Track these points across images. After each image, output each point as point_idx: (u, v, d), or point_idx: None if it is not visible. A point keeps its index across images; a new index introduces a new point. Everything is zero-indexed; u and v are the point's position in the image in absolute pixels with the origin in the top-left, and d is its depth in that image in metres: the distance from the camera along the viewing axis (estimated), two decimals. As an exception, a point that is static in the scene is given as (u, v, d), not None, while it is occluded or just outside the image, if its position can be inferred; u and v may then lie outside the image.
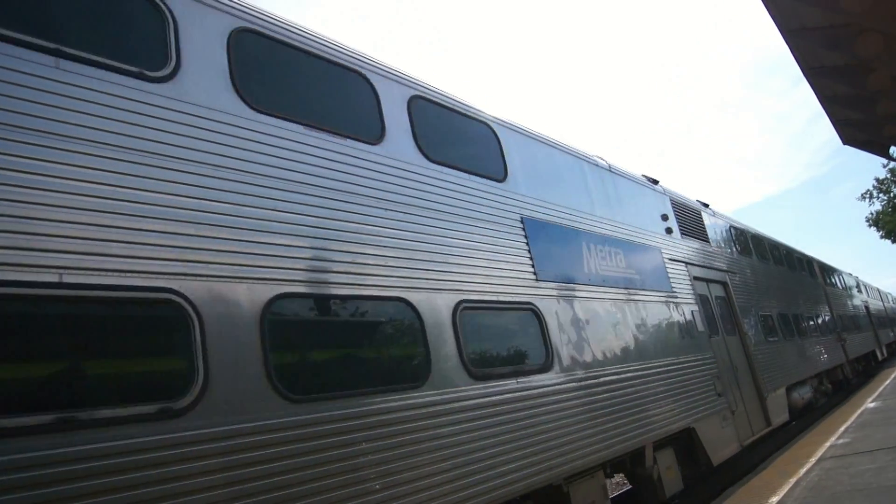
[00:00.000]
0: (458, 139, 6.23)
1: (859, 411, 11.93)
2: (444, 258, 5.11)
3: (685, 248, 9.97)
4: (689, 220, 10.74)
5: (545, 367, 5.69)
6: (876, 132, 11.02)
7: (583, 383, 6.07)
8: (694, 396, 7.97)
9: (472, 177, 5.84)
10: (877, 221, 40.26)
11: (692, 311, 9.00)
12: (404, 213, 4.92)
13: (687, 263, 9.65)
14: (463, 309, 5.00)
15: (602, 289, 7.04)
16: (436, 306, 4.80)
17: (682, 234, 10.10)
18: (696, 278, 9.75)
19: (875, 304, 31.92)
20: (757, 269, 13.74)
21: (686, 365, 8.15)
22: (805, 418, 13.22)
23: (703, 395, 8.24)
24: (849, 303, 24.34)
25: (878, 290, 36.49)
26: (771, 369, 11.40)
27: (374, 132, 5.06)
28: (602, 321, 6.80)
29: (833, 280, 23.15)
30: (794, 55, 8.20)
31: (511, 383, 5.24)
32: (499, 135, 6.54)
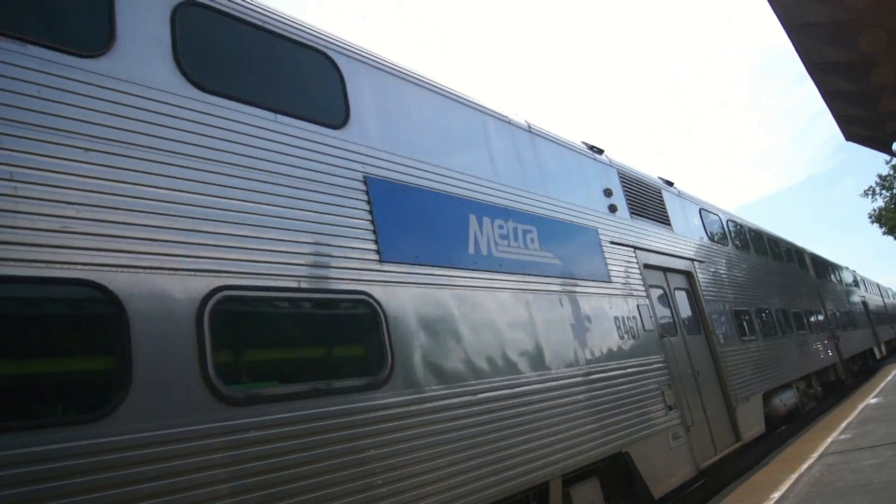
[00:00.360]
0: (268, 68, 4.69)
1: (861, 407, 11.94)
2: (194, 224, 3.60)
3: (635, 230, 8.56)
4: (643, 198, 9.37)
5: (378, 383, 4.21)
6: (879, 128, 10.98)
7: (445, 402, 4.60)
8: (631, 412, 6.62)
9: (282, 117, 4.36)
10: (879, 218, 40.22)
11: (638, 306, 7.64)
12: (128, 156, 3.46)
13: (636, 248, 8.27)
14: (222, 300, 3.59)
15: (497, 276, 5.54)
16: (164, 296, 3.35)
17: (633, 214, 8.75)
18: (648, 266, 8.43)
19: (874, 300, 31.24)
20: (734, 260, 12.42)
21: (622, 373, 6.78)
22: (797, 421, 12.54)
23: (646, 410, 6.90)
24: (844, 298, 23.30)
25: (878, 286, 36.02)
26: (745, 373, 10.17)
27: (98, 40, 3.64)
28: (491, 318, 5.34)
29: (827, 274, 22.01)
30: (797, 51, 8.17)
31: (303, 407, 3.71)
32: (342, 68, 5.02)
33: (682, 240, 10.13)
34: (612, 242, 7.75)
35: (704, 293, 9.89)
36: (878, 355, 26.15)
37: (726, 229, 12.85)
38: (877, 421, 9.80)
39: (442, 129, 5.92)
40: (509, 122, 6.88)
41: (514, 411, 5.18)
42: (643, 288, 8.01)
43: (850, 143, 12.08)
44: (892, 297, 41.08)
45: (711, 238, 11.66)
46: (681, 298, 9.24)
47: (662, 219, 9.75)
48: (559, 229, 6.86)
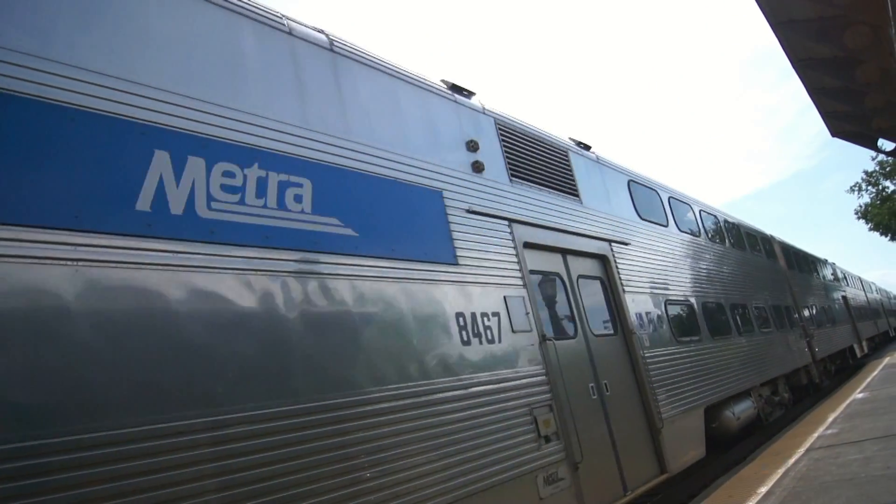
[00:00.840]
0: None
1: (847, 402, 12.03)
2: None
3: (513, 198, 6.51)
4: (535, 160, 7.26)
5: None
6: (865, 125, 11.07)
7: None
8: (466, 453, 4.61)
9: None
10: (865, 214, 40.55)
11: (507, 298, 5.71)
12: None
13: (513, 222, 6.28)
14: None
15: (203, 249, 3.52)
16: None
17: (514, 177, 6.70)
18: (532, 247, 6.47)
19: (855, 295, 29.76)
20: (675, 244, 10.36)
21: (455, 395, 4.74)
22: (759, 434, 11.22)
23: (497, 448, 4.91)
24: (821, 292, 21.68)
25: (860, 279, 35.09)
26: (678, 384, 8.18)
27: None
28: (175, 317, 3.30)
29: (801, 265, 19.98)
30: (783, 47, 8.22)
31: None
32: None
33: (596, 216, 8.02)
34: (470, 212, 5.76)
35: (626, 283, 7.95)
36: (858, 353, 24.37)
37: (667, 209, 10.67)
38: (863, 415, 9.87)
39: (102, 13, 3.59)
40: (289, 32, 4.75)
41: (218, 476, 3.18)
42: (519, 274, 6.03)
43: (836, 139, 12.18)
44: (875, 292, 40.42)
45: (647, 218, 9.55)
46: (589, 290, 7.33)
47: (566, 188, 7.63)
48: (361, 187, 4.76)
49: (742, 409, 10.21)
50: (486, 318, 5.40)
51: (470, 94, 6.74)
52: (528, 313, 5.91)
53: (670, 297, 9.16)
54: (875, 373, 17.50)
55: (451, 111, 6.29)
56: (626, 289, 7.93)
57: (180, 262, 3.41)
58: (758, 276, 14.52)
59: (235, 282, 3.64)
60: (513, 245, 6.18)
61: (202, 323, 3.42)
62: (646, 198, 10.00)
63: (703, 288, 10.63)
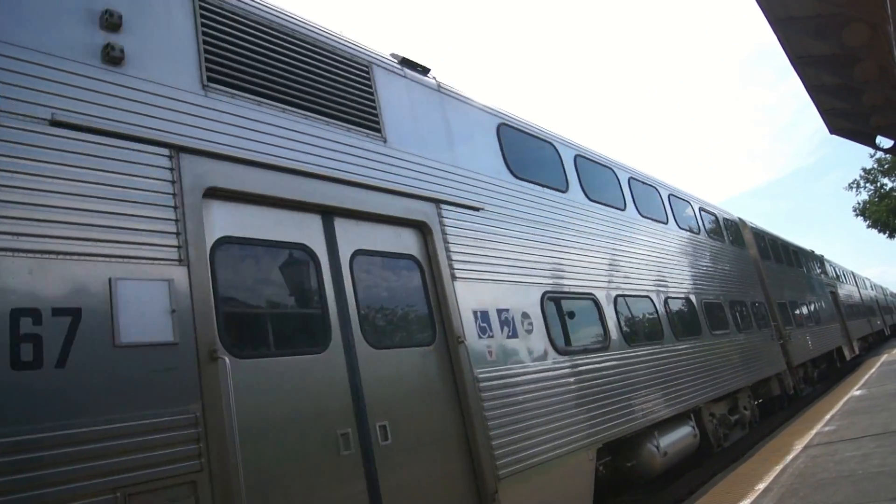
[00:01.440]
0: None
1: (845, 399, 12.06)
2: None
3: (199, 114, 3.97)
4: (277, 62, 4.65)
5: None
6: (863, 122, 11.06)
7: None
8: None
9: None
10: (864, 211, 40.58)
11: (113, 282, 3.21)
12: None
13: (176, 148, 3.76)
14: None
15: None
16: None
17: (213, 81, 4.17)
18: (230, 196, 3.98)
19: (848, 291, 28.01)
20: (576, 215, 7.63)
21: None
22: (783, 413, 10.43)
23: None
24: (805, 287, 19.29)
25: (854, 275, 33.68)
26: (542, 416, 5.57)
27: None
28: None
29: (779, 256, 17.53)
30: (781, 44, 8.21)
31: None
32: None
33: (409, 163, 5.51)
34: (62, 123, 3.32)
35: (459, 266, 5.50)
36: (848, 355, 22.07)
37: (568, 169, 8.04)
38: (861, 413, 9.89)
39: None
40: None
41: None
42: (174, 241, 3.57)
43: (834, 136, 12.18)
44: (870, 289, 39.79)
45: (517, 175, 6.90)
46: (381, 274, 4.99)
47: (349, 114, 5.12)
48: None
49: (674, 440, 7.71)
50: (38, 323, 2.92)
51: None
52: (172, 311, 3.41)
53: (553, 290, 6.65)
54: (873, 370, 17.55)
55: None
56: (459, 275, 5.46)
57: None
58: (716, 267, 11.99)
59: None
60: (169, 181, 3.69)
61: None
62: (527, 149, 7.49)
63: (618, 277, 8.12)
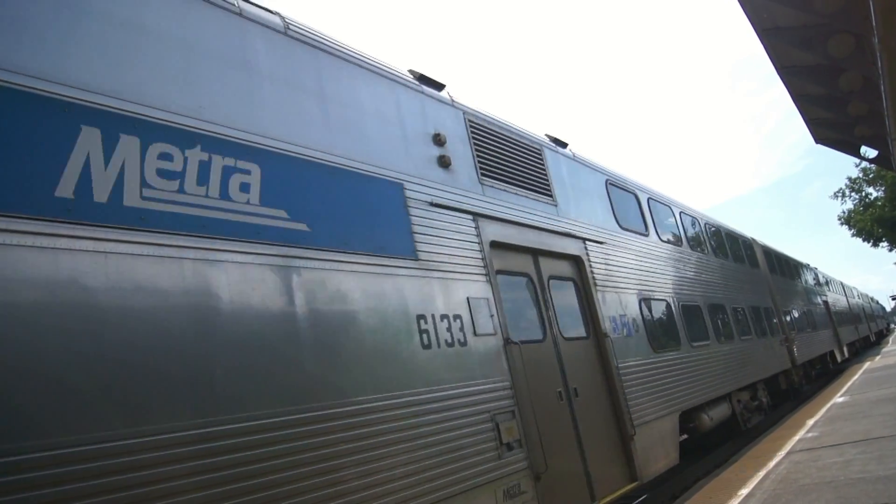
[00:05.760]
0: None
1: (828, 406, 12.17)
2: None
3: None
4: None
5: None
6: (848, 132, 11.19)
7: None
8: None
9: None
10: (848, 220, 41.04)
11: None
12: None
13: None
14: None
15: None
16: None
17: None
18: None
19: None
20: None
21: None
22: (737, 441, 10.99)
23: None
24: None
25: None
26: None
27: None
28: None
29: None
30: (768, 54, 8.29)
31: None
32: None
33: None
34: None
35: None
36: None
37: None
38: (843, 419, 9.99)
39: None
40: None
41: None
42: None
43: (819, 145, 12.31)
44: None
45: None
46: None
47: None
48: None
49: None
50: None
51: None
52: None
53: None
54: (856, 377, 17.72)
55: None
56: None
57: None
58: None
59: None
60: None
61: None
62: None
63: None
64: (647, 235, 9.94)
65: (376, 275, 4.55)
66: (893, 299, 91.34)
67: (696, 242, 12.31)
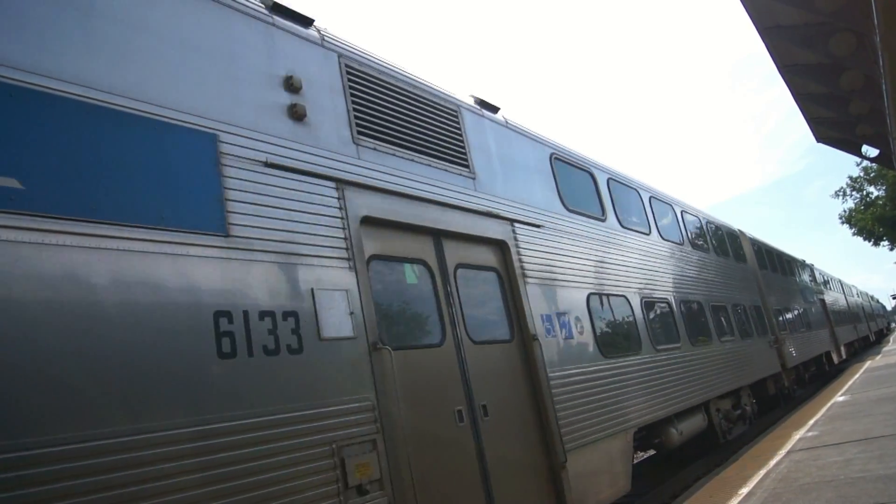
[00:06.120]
0: None
1: (828, 405, 12.16)
2: None
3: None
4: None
5: None
6: (849, 131, 11.19)
7: None
8: None
9: None
10: (849, 219, 41.04)
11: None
12: None
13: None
14: None
15: None
16: None
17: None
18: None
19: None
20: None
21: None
22: (714, 455, 10.06)
23: None
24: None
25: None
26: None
27: None
28: None
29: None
30: (769, 53, 8.29)
31: None
32: None
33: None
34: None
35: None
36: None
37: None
38: (843, 418, 9.98)
39: None
40: None
41: None
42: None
43: (821, 144, 12.31)
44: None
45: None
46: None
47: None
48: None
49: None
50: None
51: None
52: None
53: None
54: (856, 376, 17.71)
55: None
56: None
57: None
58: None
59: None
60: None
61: None
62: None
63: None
64: (603, 220, 8.52)
65: (142, 253, 3.22)
66: (894, 298, 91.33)
67: (669, 232, 10.88)
